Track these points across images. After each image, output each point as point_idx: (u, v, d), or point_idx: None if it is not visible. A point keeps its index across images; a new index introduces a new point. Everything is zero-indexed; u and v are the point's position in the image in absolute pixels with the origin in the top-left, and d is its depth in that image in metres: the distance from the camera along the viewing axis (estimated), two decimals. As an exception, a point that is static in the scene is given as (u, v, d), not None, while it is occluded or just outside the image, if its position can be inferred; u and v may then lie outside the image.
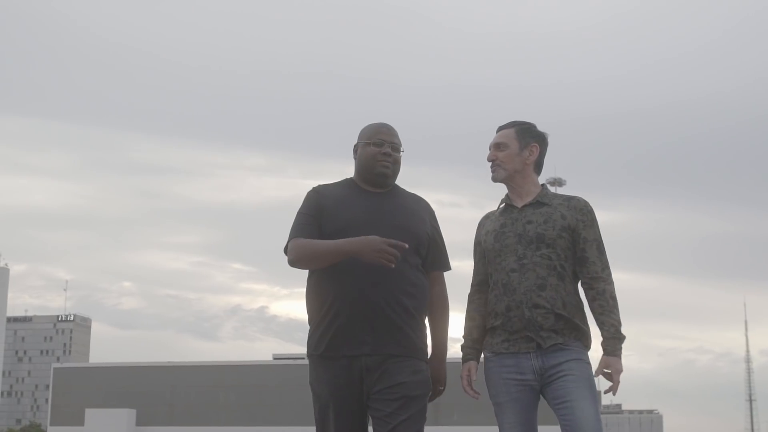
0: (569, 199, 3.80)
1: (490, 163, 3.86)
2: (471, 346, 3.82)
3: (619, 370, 3.60)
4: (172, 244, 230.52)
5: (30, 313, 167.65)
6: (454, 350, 4.00)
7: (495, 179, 3.84)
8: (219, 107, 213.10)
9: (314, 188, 3.81)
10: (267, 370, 55.11)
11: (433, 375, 3.72)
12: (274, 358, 58.16)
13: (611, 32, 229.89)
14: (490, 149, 3.87)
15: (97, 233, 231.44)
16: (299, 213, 3.74)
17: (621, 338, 3.63)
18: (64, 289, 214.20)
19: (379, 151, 3.73)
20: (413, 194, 3.89)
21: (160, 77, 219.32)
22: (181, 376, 54.27)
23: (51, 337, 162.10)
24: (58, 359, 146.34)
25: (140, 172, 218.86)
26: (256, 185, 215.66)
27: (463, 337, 3.86)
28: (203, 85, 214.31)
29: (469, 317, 3.86)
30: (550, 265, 3.66)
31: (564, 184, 57.42)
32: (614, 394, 3.66)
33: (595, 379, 3.66)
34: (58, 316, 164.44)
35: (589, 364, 3.65)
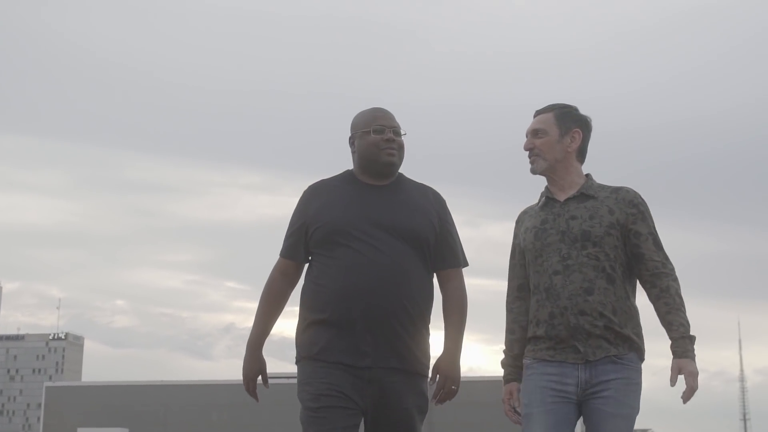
0: (617, 191, 3.38)
1: (528, 153, 3.45)
2: (512, 364, 3.44)
3: (694, 373, 3.18)
4: (166, 263, 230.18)
5: (22, 332, 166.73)
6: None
7: (534, 171, 3.43)
8: (213, 125, 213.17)
9: (307, 190, 3.51)
10: (261, 389, 53.75)
11: (446, 373, 3.41)
12: (270, 377, 57.90)
13: (607, 53, 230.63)
14: (526, 136, 3.45)
15: (90, 251, 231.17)
16: (290, 224, 3.52)
17: (692, 339, 3.22)
18: (57, 308, 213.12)
19: (381, 138, 3.42)
20: (420, 184, 3.54)
21: (155, 96, 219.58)
22: (175, 395, 54.04)
23: (43, 356, 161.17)
24: (50, 378, 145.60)
25: (134, 190, 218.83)
26: (251, 203, 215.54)
27: (504, 352, 3.47)
28: (198, 104, 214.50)
29: (509, 330, 3.45)
30: (597, 266, 3.27)
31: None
32: (687, 399, 3.20)
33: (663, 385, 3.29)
34: (50, 335, 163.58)
35: (639, 384, 3.29)
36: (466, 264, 3.54)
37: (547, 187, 3.46)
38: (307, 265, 3.51)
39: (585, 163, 3.49)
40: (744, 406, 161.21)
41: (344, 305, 3.28)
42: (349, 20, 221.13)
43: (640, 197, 3.38)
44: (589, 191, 3.37)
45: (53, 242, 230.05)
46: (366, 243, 3.32)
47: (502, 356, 3.49)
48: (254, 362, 3.52)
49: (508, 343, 3.45)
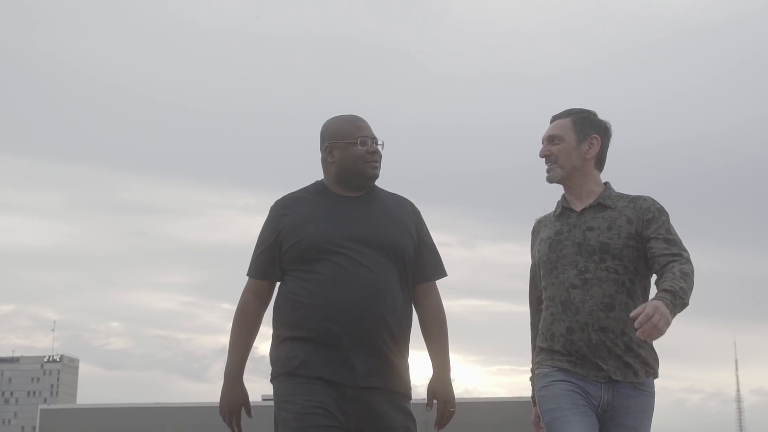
0: (635, 200, 3.21)
1: (544, 160, 3.29)
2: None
3: (665, 315, 2.74)
4: (161, 284, 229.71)
5: (17, 354, 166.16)
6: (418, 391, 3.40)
7: (551, 179, 3.27)
8: (208, 147, 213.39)
9: (272, 208, 3.31)
10: (256, 411, 52.56)
11: (444, 397, 3.21)
12: (263, 399, 57.41)
13: (601, 74, 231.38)
14: (542, 143, 3.29)
15: (85, 273, 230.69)
16: (258, 241, 3.31)
17: (683, 300, 2.86)
18: (52, 330, 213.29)
19: (366, 150, 3.24)
20: (394, 195, 3.37)
21: (150, 117, 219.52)
22: (170, 418, 53.54)
23: (38, 378, 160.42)
24: (45, 400, 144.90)
25: (129, 212, 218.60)
26: (246, 225, 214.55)
27: (531, 370, 3.32)
28: (193, 125, 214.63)
29: (533, 348, 3.30)
30: (617, 280, 3.10)
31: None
32: (639, 325, 2.73)
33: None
34: (45, 357, 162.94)
35: (653, 409, 3.15)
36: (444, 274, 3.36)
37: (563, 196, 3.31)
38: (279, 282, 3.32)
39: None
40: (741, 426, 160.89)
41: (324, 321, 3.09)
42: (343, 42, 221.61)
43: (657, 204, 3.20)
44: (606, 201, 3.22)
45: (48, 264, 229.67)
46: (345, 256, 3.14)
47: (530, 374, 3.36)
48: (237, 392, 3.27)
49: (535, 366, 3.28)
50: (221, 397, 3.27)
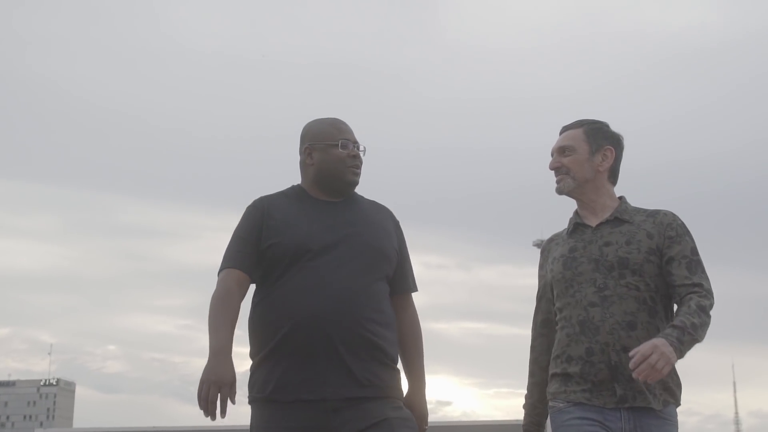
0: (654, 215, 3.05)
1: (554, 172, 3.13)
2: (531, 413, 3.15)
3: (665, 354, 2.66)
4: (158, 307, 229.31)
5: (13, 377, 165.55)
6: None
7: (561, 191, 3.10)
8: (205, 170, 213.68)
9: (254, 203, 3.11)
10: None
11: (419, 413, 3.03)
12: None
13: (599, 97, 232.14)
14: (552, 155, 3.13)
15: (82, 296, 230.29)
16: (234, 234, 3.07)
17: (693, 336, 2.76)
18: (49, 353, 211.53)
19: (347, 154, 3.08)
20: (373, 201, 3.20)
21: (147, 140, 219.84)
22: (167, 441, 53.63)
23: (34, 402, 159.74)
24: (41, 424, 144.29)
25: (126, 235, 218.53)
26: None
27: (525, 396, 3.16)
28: (189, 148, 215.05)
29: (530, 372, 3.15)
30: (638, 297, 2.91)
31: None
32: (635, 365, 2.66)
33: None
34: (41, 381, 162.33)
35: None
36: (416, 288, 3.20)
37: (576, 212, 3.14)
38: (254, 290, 3.08)
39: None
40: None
41: (301, 333, 2.86)
42: (337, 67, 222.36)
43: (679, 220, 3.04)
44: (623, 215, 3.04)
45: (44, 287, 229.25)
46: (326, 262, 2.95)
47: (524, 400, 3.20)
48: (226, 366, 2.79)
49: (529, 387, 3.15)
50: (206, 372, 2.77)
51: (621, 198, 3.14)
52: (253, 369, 3.01)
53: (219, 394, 2.74)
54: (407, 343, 3.11)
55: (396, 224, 3.20)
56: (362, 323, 2.91)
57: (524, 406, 3.18)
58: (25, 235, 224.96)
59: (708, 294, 2.90)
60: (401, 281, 3.14)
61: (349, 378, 2.88)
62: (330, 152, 3.10)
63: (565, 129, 3.17)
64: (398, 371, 3.04)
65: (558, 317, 3.04)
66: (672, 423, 2.94)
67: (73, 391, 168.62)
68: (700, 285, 2.91)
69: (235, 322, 2.96)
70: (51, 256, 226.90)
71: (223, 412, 2.74)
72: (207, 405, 2.73)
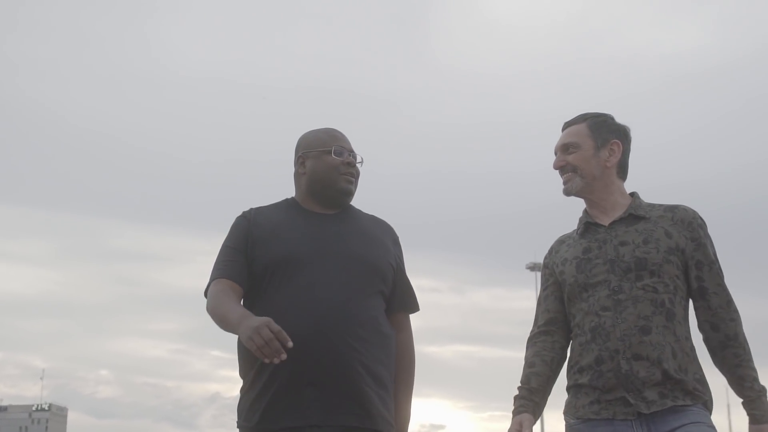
0: (672, 210, 2.86)
1: (559, 172, 2.96)
2: (526, 396, 2.85)
3: None
4: (150, 332, 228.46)
5: (5, 403, 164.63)
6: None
7: (569, 191, 2.92)
8: (197, 194, 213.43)
9: (242, 213, 2.97)
10: None
11: None
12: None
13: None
14: (555, 153, 2.97)
15: (74, 321, 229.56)
16: (223, 246, 2.93)
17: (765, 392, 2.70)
18: (41, 378, 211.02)
19: (340, 161, 2.93)
20: (372, 216, 3.05)
21: (138, 165, 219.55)
22: (159, 467, 53.33)
23: (26, 427, 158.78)
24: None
25: (118, 259, 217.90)
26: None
27: (518, 388, 2.90)
28: (181, 173, 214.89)
29: (527, 363, 2.91)
30: (655, 299, 2.72)
31: (544, 269, 57.19)
32: None
33: None
34: (33, 406, 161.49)
35: (713, 428, 2.67)
36: (417, 308, 3.03)
37: (585, 211, 2.96)
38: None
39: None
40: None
41: (293, 352, 2.59)
42: (328, 92, 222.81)
43: (700, 218, 2.87)
44: (638, 211, 2.85)
45: (36, 312, 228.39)
46: (309, 277, 2.78)
47: (516, 392, 2.93)
48: (256, 317, 2.58)
49: (525, 376, 2.89)
50: (244, 330, 2.56)
51: (633, 194, 2.95)
52: (242, 393, 2.88)
53: (270, 333, 2.50)
54: (398, 369, 2.93)
55: (395, 240, 3.05)
56: (348, 342, 2.73)
57: (516, 397, 2.90)
58: (18, 259, 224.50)
59: (739, 316, 2.82)
60: (397, 300, 2.97)
61: (337, 407, 2.72)
62: (323, 159, 2.96)
63: (567, 125, 3.00)
64: (390, 394, 2.87)
65: (572, 324, 2.88)
66: (699, 413, 2.69)
67: (66, 416, 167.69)
68: (731, 304, 2.81)
69: (241, 304, 2.80)
70: (43, 280, 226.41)
71: (286, 340, 2.51)
72: (267, 345, 2.49)
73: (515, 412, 2.84)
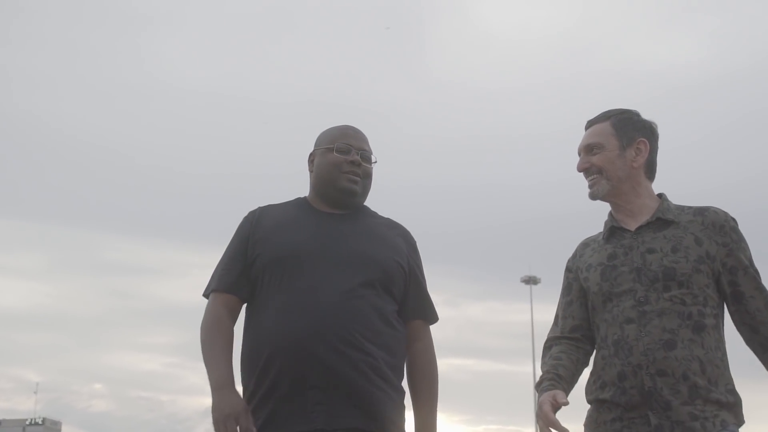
0: (702, 213, 2.68)
1: (583, 174, 2.77)
2: (554, 379, 2.64)
3: None
4: (145, 345, 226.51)
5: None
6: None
7: (595, 195, 2.74)
8: (191, 207, 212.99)
9: (249, 213, 2.85)
10: None
11: None
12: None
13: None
14: (579, 154, 2.79)
15: (67, 334, 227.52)
16: (227, 248, 2.85)
17: None
18: (34, 392, 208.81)
19: (344, 159, 2.81)
20: (387, 219, 2.90)
21: (132, 178, 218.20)
22: (153, 481, 53.19)
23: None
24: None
25: (112, 272, 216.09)
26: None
27: (544, 374, 2.69)
28: (175, 186, 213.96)
29: (552, 357, 2.72)
30: (683, 312, 2.54)
31: (539, 282, 57.11)
32: None
33: None
34: (27, 420, 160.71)
35: None
36: (436, 319, 2.87)
37: (611, 214, 2.78)
38: (245, 310, 2.81)
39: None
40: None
41: (285, 359, 2.58)
42: (324, 105, 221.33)
43: (733, 220, 2.69)
44: (667, 215, 2.68)
45: (30, 325, 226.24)
46: (309, 277, 2.66)
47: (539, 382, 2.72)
48: (234, 398, 2.58)
49: (551, 366, 2.68)
50: (216, 410, 2.55)
51: (661, 195, 2.78)
52: (245, 400, 2.72)
53: (238, 427, 2.51)
54: (416, 381, 2.80)
55: (411, 244, 2.90)
56: (350, 343, 2.59)
57: (541, 379, 2.70)
58: (10, 272, 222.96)
59: None
60: (413, 307, 2.82)
61: (341, 409, 2.58)
62: (326, 156, 2.85)
63: (590, 123, 2.82)
64: (399, 397, 2.72)
65: (596, 336, 2.70)
66: (727, 428, 2.51)
67: (59, 430, 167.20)
68: None
69: (231, 348, 2.72)
70: (36, 294, 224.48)
71: None
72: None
73: (543, 390, 2.61)
